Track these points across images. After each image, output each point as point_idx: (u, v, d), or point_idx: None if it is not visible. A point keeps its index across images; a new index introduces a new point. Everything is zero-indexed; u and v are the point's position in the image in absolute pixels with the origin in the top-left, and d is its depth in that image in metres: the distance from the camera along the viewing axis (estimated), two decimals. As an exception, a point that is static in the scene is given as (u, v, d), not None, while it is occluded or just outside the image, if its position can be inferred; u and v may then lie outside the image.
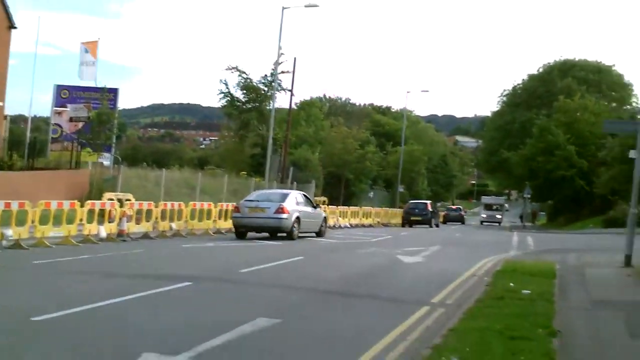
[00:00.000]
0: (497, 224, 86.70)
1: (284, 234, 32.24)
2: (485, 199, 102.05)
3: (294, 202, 33.23)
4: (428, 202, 67.70)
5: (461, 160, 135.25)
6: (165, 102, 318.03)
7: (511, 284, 15.94)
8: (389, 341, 10.65)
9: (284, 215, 31.78)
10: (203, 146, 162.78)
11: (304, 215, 33.50)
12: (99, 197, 30.60)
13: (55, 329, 10.59)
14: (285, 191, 37.48)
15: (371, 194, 79.48)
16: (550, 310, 12.87)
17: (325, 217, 37.99)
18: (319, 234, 35.43)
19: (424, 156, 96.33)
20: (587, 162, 68.40)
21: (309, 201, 36.03)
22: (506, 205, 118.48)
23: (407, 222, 60.91)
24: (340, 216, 51.05)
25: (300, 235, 32.94)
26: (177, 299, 13.65)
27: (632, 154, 22.78)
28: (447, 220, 79.40)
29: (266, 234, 32.51)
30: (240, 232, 32.68)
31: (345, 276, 18.57)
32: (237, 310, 12.69)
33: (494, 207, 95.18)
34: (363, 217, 56.35)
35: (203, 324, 11.26)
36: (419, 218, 61.15)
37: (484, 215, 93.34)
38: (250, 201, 33.43)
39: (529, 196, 73.47)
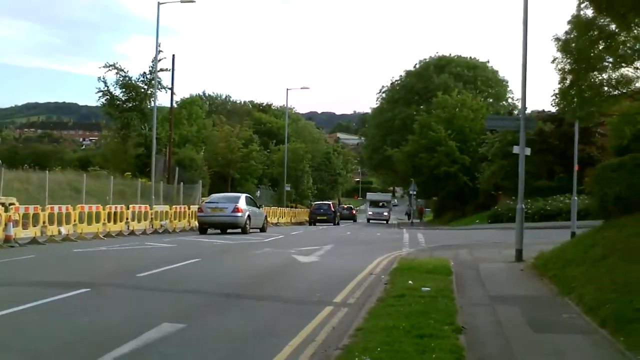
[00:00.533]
0: (384, 222, 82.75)
1: (239, 230, 39.51)
2: (371, 196, 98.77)
3: (245, 203, 40.53)
4: (331, 202, 77.00)
5: (344, 157, 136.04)
6: (41, 101, 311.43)
7: (410, 282, 16.16)
8: (298, 343, 10.75)
9: (239, 214, 39.32)
10: (83, 147, 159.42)
11: (252, 214, 40.95)
12: (-20, 202, 29.80)
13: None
14: (238, 194, 44.23)
15: (258, 194, 79.33)
16: (451, 307, 13.13)
17: (265, 215, 46.39)
18: (262, 229, 43.15)
19: (308, 154, 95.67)
20: (469, 157, 69.62)
21: (254, 202, 43.81)
22: (395, 200, 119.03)
23: (313, 220, 66.99)
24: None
25: (251, 230, 40.33)
26: (78, 307, 13.40)
27: (515, 149, 23.39)
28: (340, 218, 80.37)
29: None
30: (204, 228, 40.07)
31: (245, 278, 18.58)
32: (140, 316, 12.58)
33: (380, 203, 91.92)
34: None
35: (108, 331, 11.15)
36: (324, 217, 67.69)
37: (370, 213, 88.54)
38: (211, 202, 41.14)
39: (414, 193, 74.10)
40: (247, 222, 39.77)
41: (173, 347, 10.20)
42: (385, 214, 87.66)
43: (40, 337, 10.72)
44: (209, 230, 39.97)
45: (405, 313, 12.21)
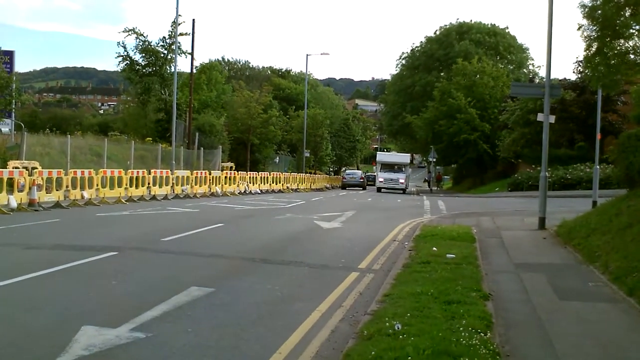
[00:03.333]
0: (400, 192, 68.46)
1: (361, 188, 74.67)
2: (383, 157, 78.13)
3: (363, 175, 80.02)
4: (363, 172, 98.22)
5: (363, 124, 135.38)
6: (59, 66, 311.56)
7: (434, 249, 16.23)
8: (326, 308, 10.84)
9: (362, 180, 77.96)
10: (102, 111, 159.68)
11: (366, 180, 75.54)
12: (3, 166, 29.94)
13: (-18, 304, 10.40)
14: (359, 170, 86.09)
15: (277, 159, 79.38)
16: (477, 273, 13.17)
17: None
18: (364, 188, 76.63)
19: (326, 120, 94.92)
20: (489, 125, 69.21)
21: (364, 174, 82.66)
22: (417, 159, 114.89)
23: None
24: (250, 182, 51.10)
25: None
26: (106, 270, 13.49)
27: (540, 117, 23.25)
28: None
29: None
30: (345, 187, 75.89)
31: (268, 243, 18.68)
32: (168, 280, 12.67)
33: (396, 167, 72.85)
34: (272, 182, 56.38)
35: (137, 295, 11.26)
36: (371, 183, 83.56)
37: (382, 180, 70.99)
38: (349, 174, 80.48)
39: (434, 160, 73.53)
40: (366, 184, 78.25)
41: (203, 311, 10.27)
42: (402, 180, 70.06)
43: (70, 299, 10.79)
44: (224, 197, 41.00)
45: (431, 279, 12.26)
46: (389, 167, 72.72)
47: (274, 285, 12.48)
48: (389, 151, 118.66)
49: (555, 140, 50.49)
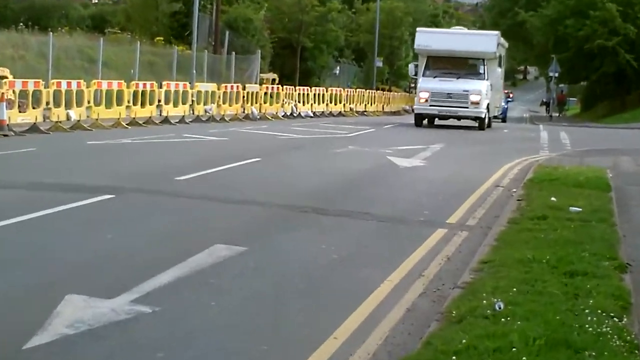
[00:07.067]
0: (473, 120, 45.87)
1: None
2: (433, 39, 49.23)
3: None
4: None
5: (459, 22, 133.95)
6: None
7: (553, 199, 16.08)
8: (400, 277, 10.78)
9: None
10: (96, 0, 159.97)
11: None
12: (-40, 74, 30.23)
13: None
14: None
15: (337, 70, 78.95)
16: (612, 235, 13.00)
17: None
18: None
19: (408, 17, 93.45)
20: (634, 28, 68.03)
21: None
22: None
23: None
24: (299, 101, 51.08)
25: None
26: (99, 219, 13.65)
27: None
28: None
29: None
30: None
31: (322, 186, 18.82)
32: (184, 234, 12.80)
33: (468, 63, 47.30)
34: (330, 102, 56.24)
35: (142, 254, 11.40)
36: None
37: (427, 94, 44.99)
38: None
39: (556, 75, 72.46)
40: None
41: (231, 278, 10.33)
42: (476, 97, 44.64)
43: (51, 258, 10.88)
44: (263, 122, 42.46)
45: (548, 241, 12.15)
46: (446, 63, 47.08)
47: (329, 244, 12.46)
48: None
49: None
